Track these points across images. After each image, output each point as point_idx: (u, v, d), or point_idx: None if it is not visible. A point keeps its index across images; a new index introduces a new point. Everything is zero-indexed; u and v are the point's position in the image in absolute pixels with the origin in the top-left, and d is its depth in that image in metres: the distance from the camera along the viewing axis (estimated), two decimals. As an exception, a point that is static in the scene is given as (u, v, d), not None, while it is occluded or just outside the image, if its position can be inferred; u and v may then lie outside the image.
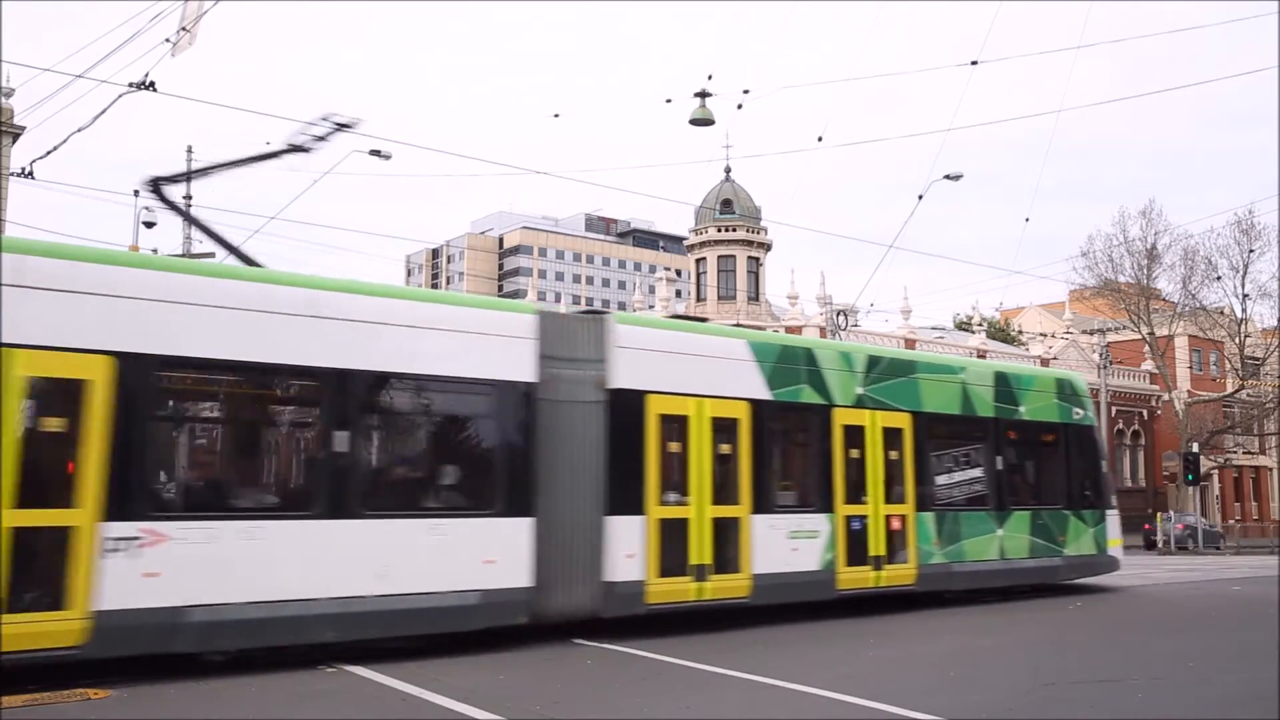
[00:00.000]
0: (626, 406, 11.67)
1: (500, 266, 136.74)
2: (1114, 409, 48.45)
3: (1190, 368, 56.45)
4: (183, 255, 24.31)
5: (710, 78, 30.72)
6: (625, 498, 11.50)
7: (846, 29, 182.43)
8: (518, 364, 11.03)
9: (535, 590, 10.73)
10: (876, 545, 13.84)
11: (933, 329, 50.99)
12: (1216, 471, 53.72)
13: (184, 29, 13.57)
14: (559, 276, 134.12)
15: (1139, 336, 48.90)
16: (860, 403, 14.06)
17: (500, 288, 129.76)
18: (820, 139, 39.62)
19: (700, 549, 12.05)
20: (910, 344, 42.81)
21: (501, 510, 10.71)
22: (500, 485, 10.84)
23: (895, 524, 14.13)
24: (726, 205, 40.38)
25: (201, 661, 9.13)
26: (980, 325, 49.55)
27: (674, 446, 12.12)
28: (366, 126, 11.94)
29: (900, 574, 14.06)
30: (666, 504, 11.87)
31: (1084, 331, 53.58)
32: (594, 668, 9.79)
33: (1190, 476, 39.57)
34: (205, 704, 7.95)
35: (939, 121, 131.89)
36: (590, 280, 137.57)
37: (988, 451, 15.63)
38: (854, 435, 13.90)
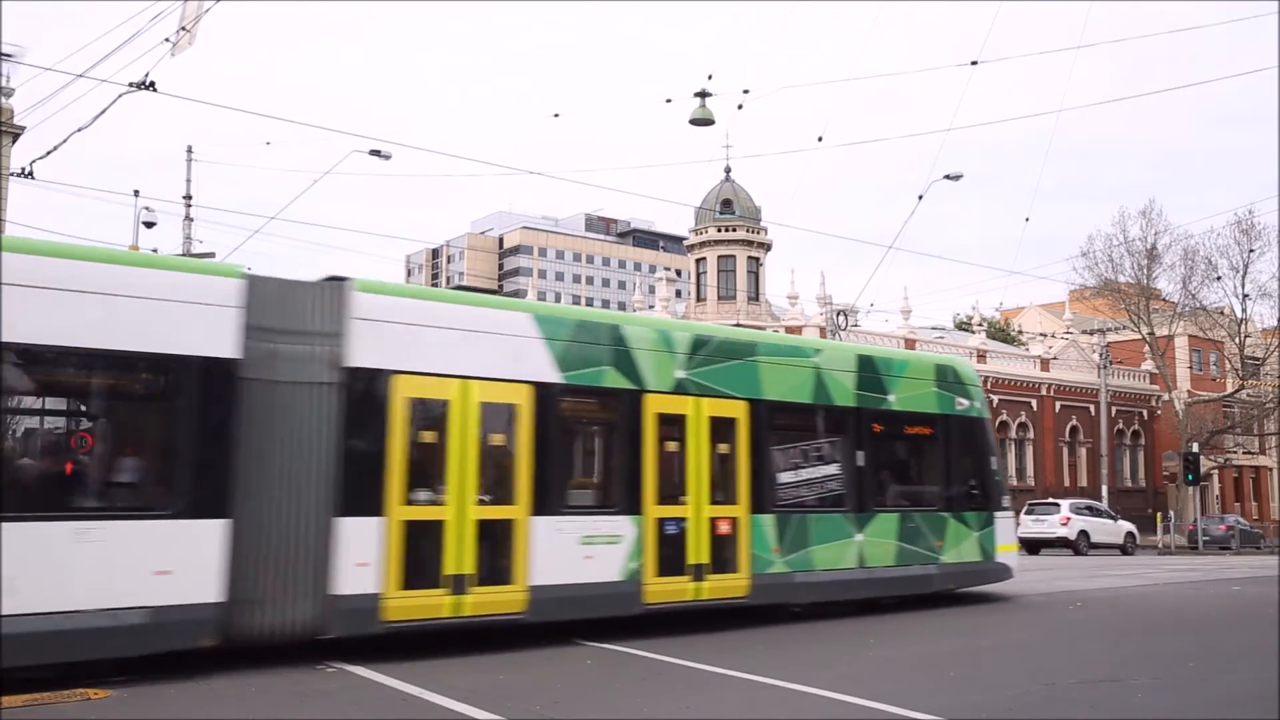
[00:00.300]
0: (367, 389, 9.99)
1: (500, 266, 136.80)
2: (1114, 409, 48.45)
3: (1190, 368, 56.47)
4: (183, 255, 24.32)
5: (710, 78, 30.73)
6: (360, 496, 9.78)
7: (846, 29, 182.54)
8: (211, 336, 9.21)
9: (228, 606, 9.01)
10: (698, 552, 12.01)
11: (933, 329, 51.02)
12: (1216, 471, 53.77)
13: (184, 29, 13.56)
14: (559, 276, 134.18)
15: (1139, 336, 48.91)
16: (682, 388, 12.20)
17: (500, 288, 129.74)
18: (820, 139, 39.68)
19: (459, 557, 10.28)
20: (910, 344, 42.84)
21: (182, 511, 8.93)
22: (182, 481, 9.06)
23: (724, 528, 12.34)
24: (726, 205, 40.40)
25: (202, 661, 9.12)
26: (980, 325, 49.55)
27: (428, 436, 10.46)
28: (366, 126, 11.92)
29: (728, 585, 12.23)
30: (415, 503, 10.15)
31: (1084, 331, 53.62)
32: (594, 668, 9.79)
33: (1190, 476, 39.59)
34: (205, 704, 7.95)
35: (939, 121, 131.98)
36: (590, 280, 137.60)
37: (846, 446, 13.78)
38: (672, 425, 12.10)
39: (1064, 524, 33.62)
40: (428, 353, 10.46)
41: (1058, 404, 48.86)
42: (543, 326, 11.34)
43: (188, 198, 26.12)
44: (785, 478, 13.09)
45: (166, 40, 13.76)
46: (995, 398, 45.56)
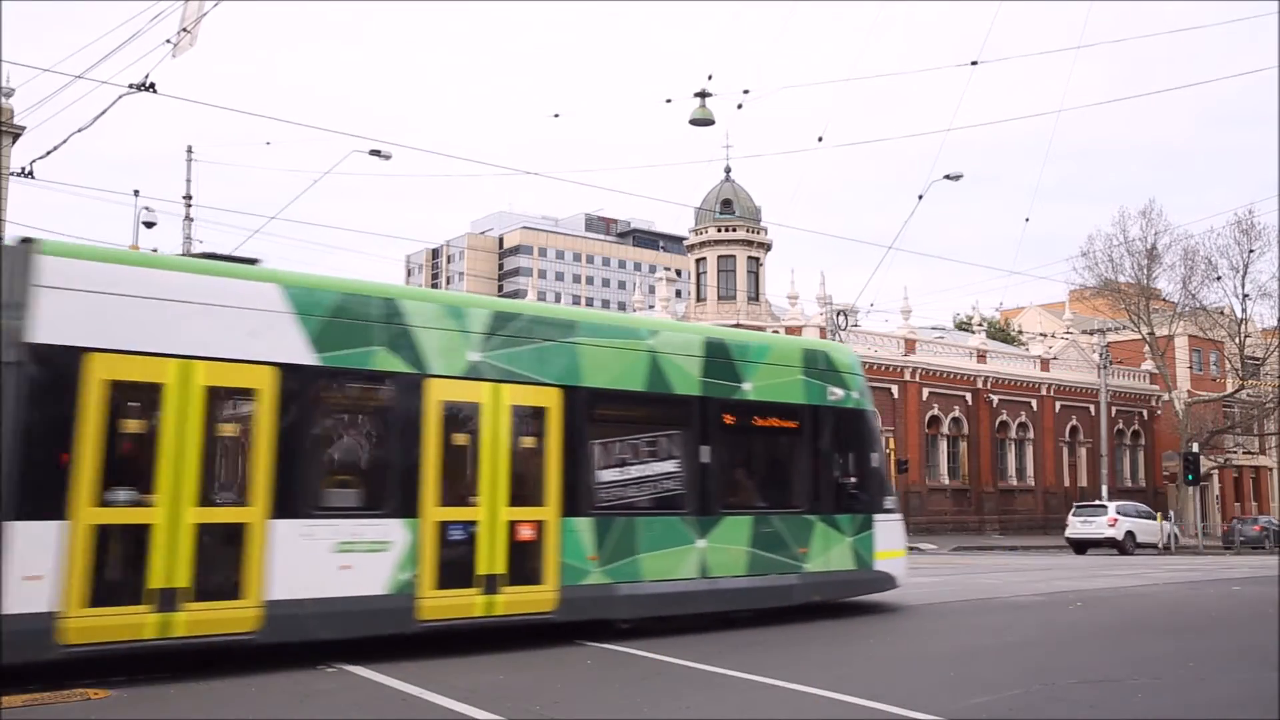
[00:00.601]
0: (53, 369, 8.54)
1: (500, 266, 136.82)
2: (1114, 409, 48.46)
3: (1190, 368, 56.49)
4: (183, 255, 24.32)
5: (710, 78, 30.74)
6: (36, 496, 8.34)
7: (846, 29, 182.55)
8: None
9: None
10: (491, 561, 10.49)
11: (933, 329, 51.01)
12: (1216, 471, 53.76)
13: (184, 29, 13.57)
14: (559, 276, 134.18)
15: (1139, 336, 48.93)
16: (477, 372, 10.72)
17: (500, 288, 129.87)
18: (820, 139, 39.78)
19: (170, 568, 8.78)
20: (910, 344, 42.84)
21: None
22: None
23: (526, 533, 10.83)
24: (726, 205, 40.42)
25: (202, 662, 9.13)
26: (980, 325, 49.56)
27: (134, 426, 9.07)
28: (366, 126, 11.87)
29: (530, 598, 10.73)
30: (113, 505, 8.69)
31: (1084, 331, 53.66)
32: (594, 668, 9.79)
33: (1190, 476, 39.62)
34: (205, 704, 7.96)
35: (939, 121, 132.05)
36: (590, 280, 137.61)
37: (688, 440, 12.27)
38: (463, 415, 10.71)
39: (1111, 525, 34.64)
40: (136, 328, 8.96)
41: (1058, 404, 48.85)
42: (294, 300, 9.79)
43: (188, 198, 26.14)
44: (609, 476, 11.59)
45: (167, 41, 13.77)
46: (995, 398, 45.56)
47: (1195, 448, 42.80)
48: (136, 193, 26.68)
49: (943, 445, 43.62)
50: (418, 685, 8.48)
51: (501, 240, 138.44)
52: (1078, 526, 35.11)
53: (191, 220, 26.01)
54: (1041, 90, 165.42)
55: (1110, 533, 34.28)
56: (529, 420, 11.19)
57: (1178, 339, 52.81)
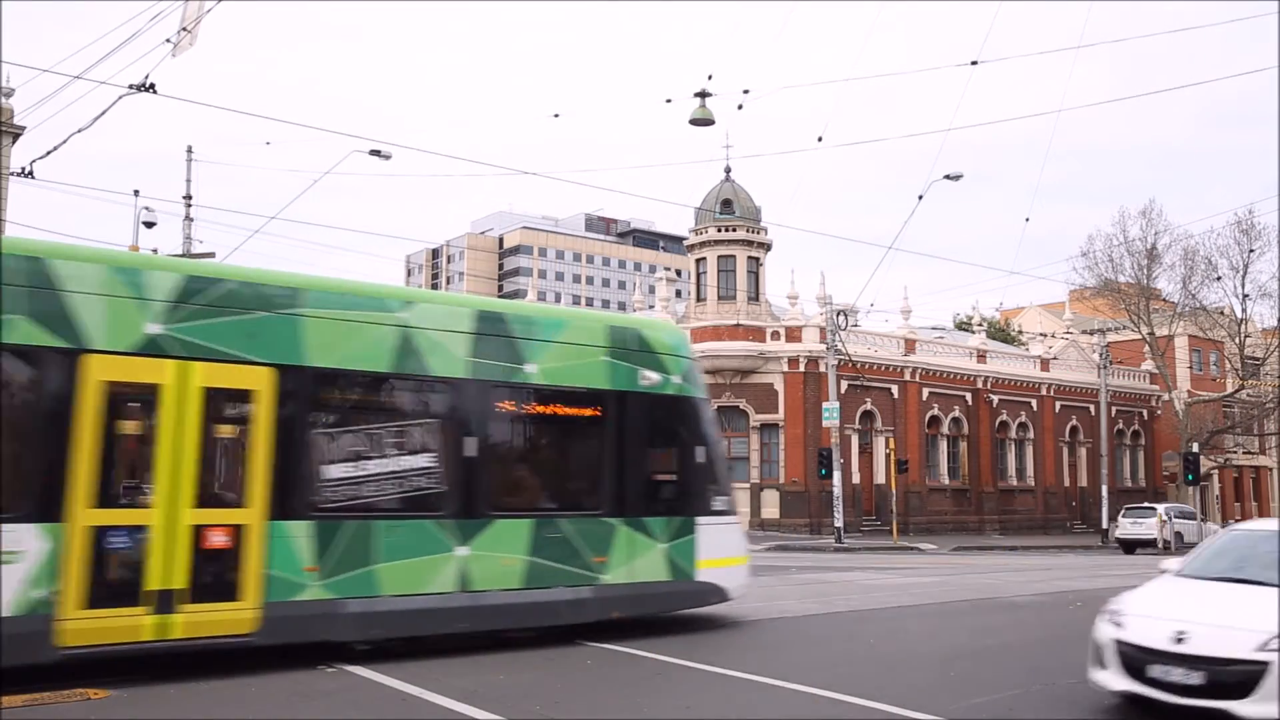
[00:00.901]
0: None
1: (500, 266, 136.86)
2: (1114, 409, 48.48)
3: (1190, 368, 56.48)
4: (183, 255, 24.34)
5: (710, 78, 30.74)
6: None
7: (846, 29, 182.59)
8: None
9: None
10: (167, 574, 8.83)
11: (933, 329, 51.00)
12: (1216, 471, 53.76)
13: (184, 29, 13.58)
14: (559, 276, 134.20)
15: (1139, 336, 48.93)
16: (157, 348, 9.09)
17: (500, 288, 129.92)
18: (820, 139, 40.00)
19: None
20: (910, 344, 42.84)
21: None
22: None
23: (218, 539, 9.17)
24: (726, 205, 40.42)
25: (202, 662, 9.13)
26: (980, 325, 49.56)
27: None
28: (366, 126, 11.79)
29: (220, 618, 9.06)
30: None
31: (1084, 331, 53.64)
32: (594, 668, 9.79)
33: (1190, 476, 39.70)
34: (205, 704, 7.96)
35: (939, 121, 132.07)
36: (590, 280, 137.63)
37: (450, 430, 10.67)
38: (133, 399, 9.21)
39: (1160, 526, 35.83)
40: None
41: (1058, 404, 48.83)
42: None
43: (188, 198, 26.16)
44: (339, 472, 9.89)
45: (167, 40, 13.79)
46: (995, 398, 45.54)
47: (1195, 448, 42.82)
48: (136, 193, 26.70)
49: (943, 445, 43.60)
50: (418, 685, 8.49)
51: (501, 240, 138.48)
52: (1128, 527, 36.68)
53: (191, 220, 26.05)
54: (1041, 90, 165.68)
55: (1159, 534, 35.56)
56: (229, 406, 9.62)
57: (1178, 339, 52.80)
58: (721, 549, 12.44)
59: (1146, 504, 39.76)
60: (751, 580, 13.50)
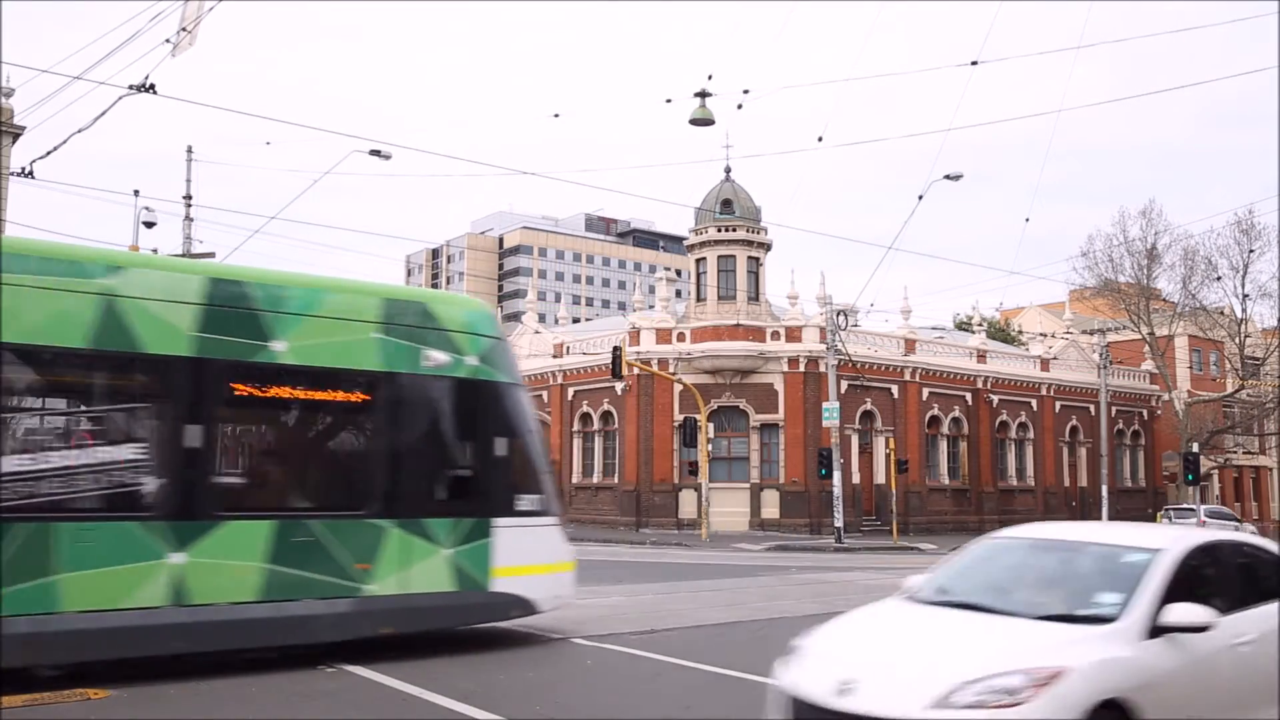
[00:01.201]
0: None
1: (500, 266, 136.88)
2: (1114, 409, 48.47)
3: (1190, 368, 56.49)
4: (183, 255, 24.34)
5: (710, 78, 30.83)
6: None
7: (846, 29, 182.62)
8: None
9: None
10: None
11: (933, 329, 50.98)
12: (1216, 471, 53.79)
13: (184, 29, 13.58)
14: (559, 276, 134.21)
15: (1139, 336, 48.92)
16: None
17: (500, 288, 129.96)
18: (820, 139, 39.98)
19: None
20: (910, 344, 42.85)
21: None
22: None
23: None
24: (726, 205, 40.40)
25: (202, 662, 9.13)
26: (980, 325, 49.56)
27: None
28: (366, 126, 11.76)
29: None
30: None
31: (1084, 331, 53.64)
32: (594, 668, 9.79)
33: (1190, 476, 39.68)
34: (205, 704, 7.97)
35: (939, 121, 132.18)
36: (590, 280, 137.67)
37: (165, 416, 9.26)
38: None
39: (1201, 527, 36.18)
40: None
41: (1058, 404, 48.81)
42: None
43: (188, 198, 26.16)
44: (9, 465, 8.44)
45: (167, 41, 13.80)
46: (995, 398, 45.54)
47: (1195, 448, 42.82)
48: (136, 193, 26.70)
49: (943, 445, 43.58)
50: (418, 685, 8.49)
51: (501, 240, 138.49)
52: None
53: (191, 220, 26.05)
54: (1041, 90, 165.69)
55: None
56: None
57: (1178, 339, 52.79)
58: (529, 555, 10.80)
59: (1187, 505, 40.51)
60: (575, 590, 11.58)
